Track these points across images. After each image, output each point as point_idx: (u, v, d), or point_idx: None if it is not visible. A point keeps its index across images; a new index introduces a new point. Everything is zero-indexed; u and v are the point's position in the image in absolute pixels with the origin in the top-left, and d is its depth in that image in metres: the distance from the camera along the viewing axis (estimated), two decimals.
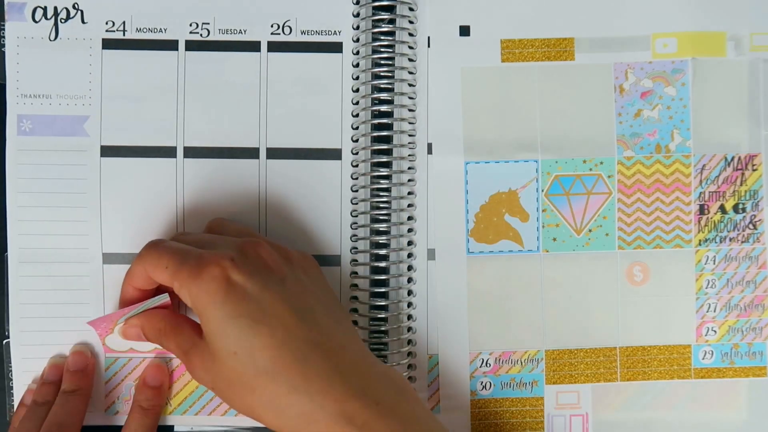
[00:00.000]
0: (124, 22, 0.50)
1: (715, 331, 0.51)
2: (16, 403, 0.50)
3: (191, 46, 0.50)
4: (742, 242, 0.51)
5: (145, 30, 0.50)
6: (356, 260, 0.51)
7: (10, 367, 0.50)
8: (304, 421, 0.40)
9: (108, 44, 0.50)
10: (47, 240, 0.50)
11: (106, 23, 0.50)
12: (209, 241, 0.45)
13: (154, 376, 0.50)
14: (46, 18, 0.50)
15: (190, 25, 0.50)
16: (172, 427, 0.51)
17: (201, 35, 0.50)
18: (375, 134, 0.50)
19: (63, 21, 0.50)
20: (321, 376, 0.41)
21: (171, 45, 0.50)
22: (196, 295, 0.41)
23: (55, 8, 0.50)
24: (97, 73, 0.50)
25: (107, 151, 0.50)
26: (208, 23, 0.50)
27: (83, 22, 0.50)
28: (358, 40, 0.51)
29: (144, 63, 0.50)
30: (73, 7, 0.50)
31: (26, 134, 0.50)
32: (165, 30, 0.50)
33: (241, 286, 0.41)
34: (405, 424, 0.41)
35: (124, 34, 0.50)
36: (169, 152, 0.50)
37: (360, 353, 0.44)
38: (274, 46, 0.51)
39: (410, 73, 0.51)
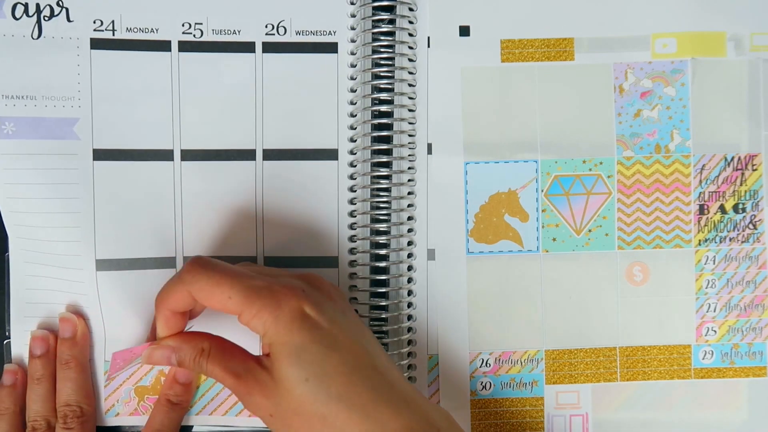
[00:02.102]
0: (113, 21, 0.49)
1: (715, 331, 0.52)
2: None
3: (184, 46, 0.49)
4: (742, 242, 0.51)
5: (135, 30, 0.49)
6: (354, 261, 0.50)
7: None
8: None
9: (97, 44, 0.49)
10: (43, 245, 0.49)
11: (94, 22, 0.49)
12: (261, 271, 0.46)
13: (184, 373, 0.50)
14: (28, 15, 0.48)
15: (183, 25, 0.49)
16: (191, 427, 0.51)
17: (194, 36, 0.49)
18: (375, 134, 0.50)
19: (46, 19, 0.49)
20: (389, 402, 0.41)
21: (163, 46, 0.49)
22: (273, 325, 0.41)
23: (38, 5, 0.48)
24: (86, 73, 0.49)
25: (100, 155, 0.49)
26: (201, 23, 0.49)
27: (69, 20, 0.49)
28: (354, 40, 0.50)
29: (136, 64, 0.49)
30: (57, 4, 0.49)
31: (9, 137, 0.48)
32: (157, 30, 0.49)
33: (312, 318, 0.42)
34: None
35: (113, 34, 0.49)
36: (165, 155, 0.49)
37: (410, 384, 0.44)
38: (268, 47, 0.50)
39: (410, 73, 0.50)
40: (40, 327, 0.50)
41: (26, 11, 0.48)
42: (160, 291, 0.44)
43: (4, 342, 0.50)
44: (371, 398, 0.41)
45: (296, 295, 0.42)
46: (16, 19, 0.48)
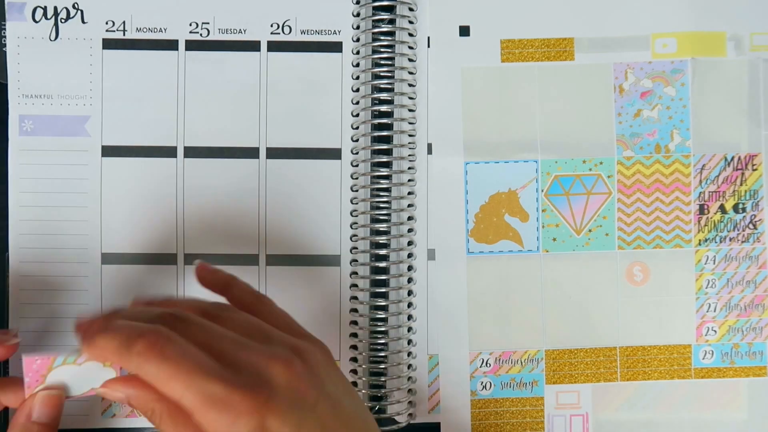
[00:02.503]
0: (124, 22, 0.50)
1: (715, 331, 0.51)
2: None
3: (191, 45, 0.50)
4: (742, 242, 0.51)
5: (145, 30, 0.50)
6: (356, 260, 0.51)
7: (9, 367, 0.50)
8: None
9: (108, 44, 0.50)
10: (48, 240, 0.50)
11: (106, 23, 0.50)
12: (236, 339, 0.38)
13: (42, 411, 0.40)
14: (47, 18, 0.50)
15: (190, 24, 0.50)
16: None
17: (201, 35, 0.50)
18: (375, 134, 0.50)
19: (63, 21, 0.50)
20: None
21: (171, 45, 0.50)
22: None
23: (55, 8, 0.50)
24: (97, 73, 0.50)
25: (108, 151, 0.50)
26: (208, 23, 0.50)
27: (83, 21, 0.50)
28: (358, 40, 0.51)
29: (144, 63, 0.50)
30: (73, 6, 0.50)
31: (28, 134, 0.50)
32: (165, 30, 0.50)
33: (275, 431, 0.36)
34: None
35: (124, 34, 0.50)
36: (169, 152, 0.50)
37: None
38: (273, 46, 0.51)
39: (410, 73, 0.51)
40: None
41: (45, 14, 0.50)
42: (107, 330, 0.36)
43: None
44: None
45: (257, 407, 0.35)
46: (36, 21, 0.50)
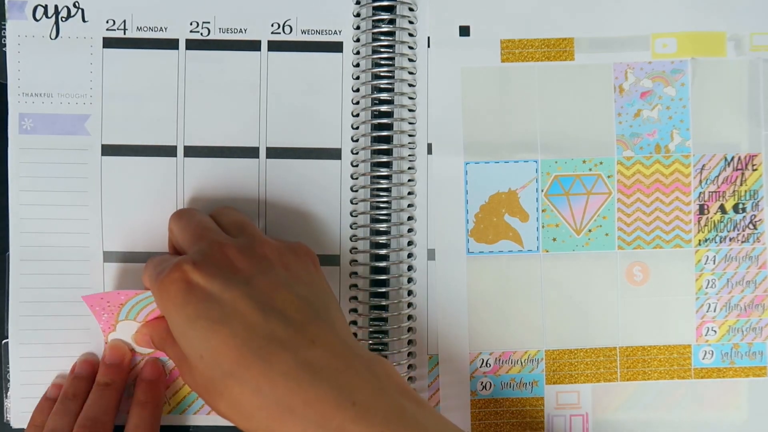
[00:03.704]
0: (124, 21, 0.50)
1: (715, 331, 0.51)
2: (13, 404, 0.50)
3: (192, 44, 0.50)
4: (742, 242, 0.51)
5: (145, 29, 0.50)
6: (356, 260, 0.51)
7: (8, 367, 0.50)
8: (274, 426, 0.38)
9: (109, 43, 0.50)
10: (48, 238, 0.50)
11: (107, 22, 0.50)
12: (190, 238, 0.45)
13: (150, 371, 0.49)
14: (47, 16, 0.50)
15: (191, 23, 0.50)
16: (188, 428, 0.51)
17: (201, 34, 0.51)
18: (375, 134, 0.50)
19: (64, 19, 0.50)
20: (287, 375, 0.38)
21: (171, 44, 0.50)
22: (159, 299, 0.42)
23: (56, 7, 0.50)
24: (98, 71, 0.50)
25: (108, 150, 0.50)
26: (209, 22, 0.51)
27: (84, 20, 0.50)
28: (358, 40, 0.51)
29: (144, 62, 0.50)
30: (74, 5, 0.50)
31: (27, 133, 0.50)
32: (165, 29, 0.50)
33: (201, 288, 0.40)
34: (385, 424, 0.37)
35: (124, 33, 0.50)
36: (169, 151, 0.50)
37: (338, 346, 0.40)
38: (274, 46, 0.51)
39: (410, 73, 0.51)
40: (83, 353, 0.50)
41: (45, 12, 0.50)
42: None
43: (3, 342, 0.50)
44: (262, 371, 0.38)
45: (181, 268, 0.40)
46: (36, 20, 0.50)
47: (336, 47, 0.51)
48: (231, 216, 0.48)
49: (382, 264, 0.51)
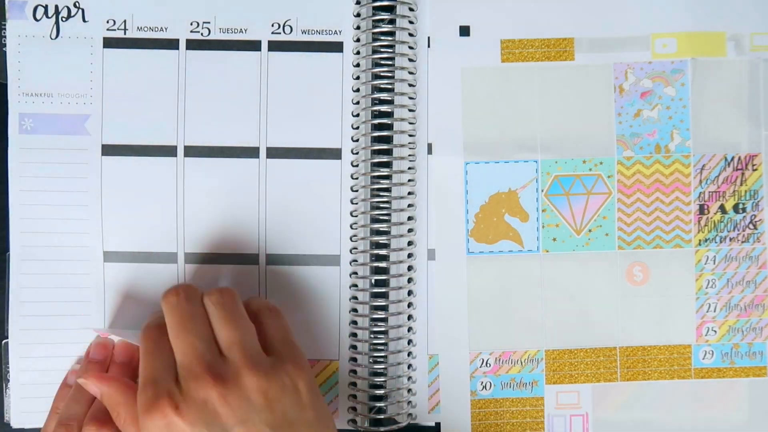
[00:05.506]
0: (125, 21, 0.50)
1: (715, 331, 0.51)
2: (13, 403, 0.50)
3: (192, 45, 0.50)
4: (742, 242, 0.51)
5: (145, 29, 0.50)
6: (356, 260, 0.51)
7: (8, 367, 0.50)
8: None
9: (109, 43, 0.50)
10: (49, 238, 0.50)
11: (107, 22, 0.50)
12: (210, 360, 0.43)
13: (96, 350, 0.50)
14: (47, 16, 0.50)
15: (191, 24, 0.50)
16: None
17: (202, 34, 0.51)
18: (375, 134, 0.50)
19: (64, 19, 0.50)
20: None
21: (172, 44, 0.50)
22: (142, 428, 0.42)
23: (56, 7, 0.50)
24: (98, 71, 0.50)
25: (108, 150, 0.50)
26: (209, 22, 0.51)
27: (84, 20, 0.50)
28: (358, 40, 0.51)
29: (145, 62, 0.50)
30: (74, 5, 0.50)
31: (28, 132, 0.50)
32: (166, 29, 0.50)
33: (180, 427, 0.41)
34: None
35: (125, 33, 0.50)
36: (169, 151, 0.50)
37: None
38: (274, 46, 0.51)
39: (410, 73, 0.51)
40: (96, 338, 0.50)
41: (46, 12, 0.50)
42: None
43: (3, 342, 0.50)
44: None
45: (162, 411, 0.41)
46: (37, 20, 0.50)
47: (336, 47, 0.51)
48: (276, 325, 0.47)
49: (383, 264, 0.51)
